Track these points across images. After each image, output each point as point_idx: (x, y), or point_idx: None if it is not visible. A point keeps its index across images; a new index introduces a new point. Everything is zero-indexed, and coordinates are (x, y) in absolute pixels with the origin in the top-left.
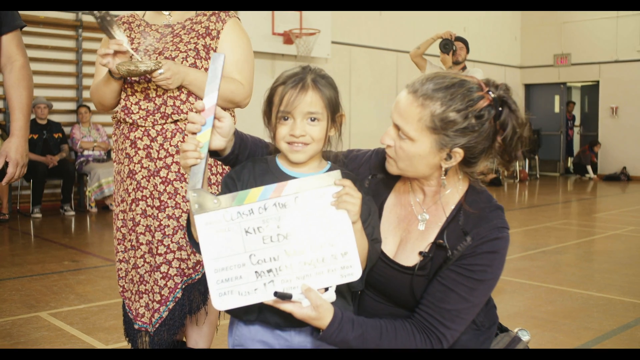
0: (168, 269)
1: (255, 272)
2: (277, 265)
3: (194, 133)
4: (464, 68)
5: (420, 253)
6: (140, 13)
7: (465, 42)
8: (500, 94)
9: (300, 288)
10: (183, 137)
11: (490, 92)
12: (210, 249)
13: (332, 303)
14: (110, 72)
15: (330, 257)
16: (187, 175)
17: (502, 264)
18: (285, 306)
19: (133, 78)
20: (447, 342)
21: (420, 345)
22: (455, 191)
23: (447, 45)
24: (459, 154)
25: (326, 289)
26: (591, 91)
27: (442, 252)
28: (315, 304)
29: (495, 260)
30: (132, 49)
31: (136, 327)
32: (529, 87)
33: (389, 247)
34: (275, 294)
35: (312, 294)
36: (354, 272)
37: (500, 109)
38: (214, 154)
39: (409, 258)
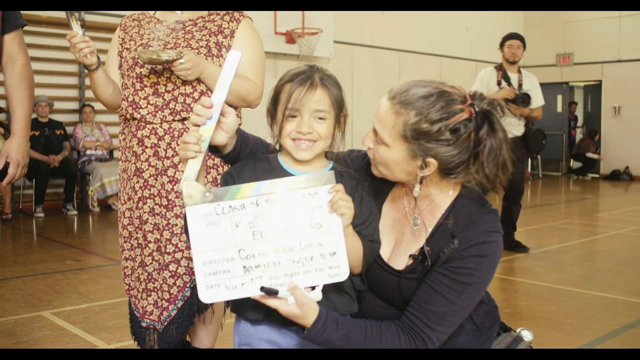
0: (177, 268)
1: (244, 266)
2: (266, 261)
3: (198, 126)
4: (519, 70)
5: (411, 256)
6: (151, 11)
7: (522, 39)
8: (484, 108)
9: (287, 285)
10: None
11: (474, 106)
12: (200, 241)
13: (337, 302)
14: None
15: (319, 256)
16: (183, 166)
17: (492, 268)
18: (271, 302)
19: (144, 73)
20: (433, 345)
21: (405, 347)
22: (446, 195)
23: (525, 100)
24: (432, 164)
25: (313, 288)
26: (594, 91)
27: (431, 255)
28: (301, 302)
29: (484, 265)
30: (140, 44)
31: (144, 325)
32: None
33: (384, 250)
34: (262, 288)
35: (297, 292)
36: (341, 272)
37: (482, 123)
38: (214, 150)
39: (401, 261)
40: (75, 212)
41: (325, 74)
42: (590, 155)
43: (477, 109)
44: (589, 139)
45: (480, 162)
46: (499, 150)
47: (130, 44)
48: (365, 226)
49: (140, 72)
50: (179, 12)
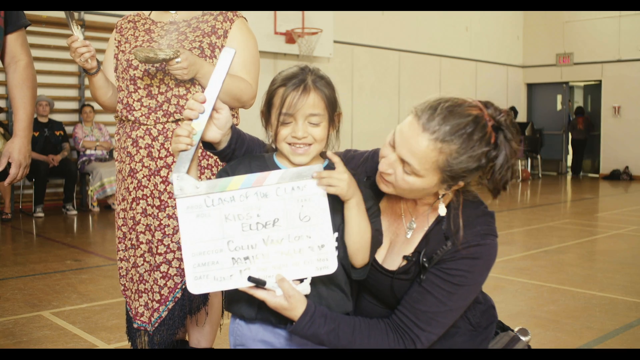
0: (168, 269)
1: (232, 258)
2: (254, 253)
3: (191, 119)
4: None
5: (405, 257)
6: (146, 12)
7: None
8: (500, 121)
9: (275, 277)
10: None
11: (492, 120)
12: (189, 232)
13: (330, 300)
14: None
15: (307, 249)
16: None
17: (485, 270)
18: (259, 293)
19: (137, 75)
20: (422, 345)
21: (393, 345)
22: (445, 197)
23: None
24: (460, 185)
25: (302, 281)
26: (594, 91)
27: (424, 257)
28: (288, 294)
29: (476, 267)
30: (134, 46)
31: (135, 326)
32: (531, 87)
33: (379, 251)
34: (250, 278)
35: (285, 284)
36: (329, 265)
37: (498, 134)
38: (209, 147)
39: (395, 262)
40: (75, 212)
41: (318, 75)
42: (576, 137)
43: (494, 125)
44: (577, 115)
45: (491, 170)
46: (511, 160)
47: (125, 46)
48: (369, 213)
49: (134, 74)
50: (173, 12)
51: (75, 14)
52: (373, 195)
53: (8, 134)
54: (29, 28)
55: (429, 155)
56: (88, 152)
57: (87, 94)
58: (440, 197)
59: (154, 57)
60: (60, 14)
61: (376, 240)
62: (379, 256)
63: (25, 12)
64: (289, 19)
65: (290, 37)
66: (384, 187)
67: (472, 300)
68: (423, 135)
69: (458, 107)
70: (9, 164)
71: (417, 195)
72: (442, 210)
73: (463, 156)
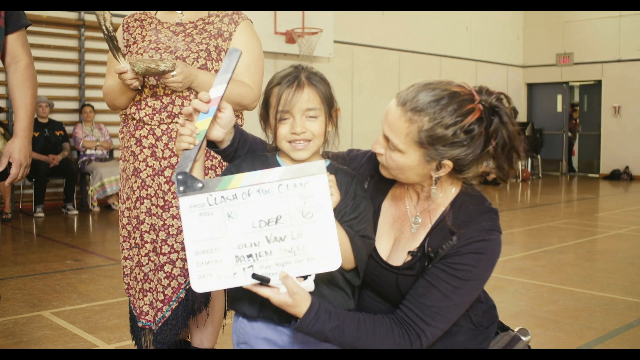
0: (172, 269)
1: (236, 256)
2: (258, 250)
3: (191, 115)
4: None
5: (410, 253)
6: (152, 11)
7: None
8: (493, 103)
9: (279, 274)
10: None
11: (482, 102)
12: (192, 231)
13: (331, 299)
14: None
15: (311, 246)
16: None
17: (490, 266)
18: (263, 291)
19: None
20: (427, 339)
21: (398, 340)
22: (447, 194)
23: None
24: (448, 165)
25: (305, 278)
26: (594, 90)
27: (429, 252)
28: (292, 291)
29: (482, 262)
30: (141, 47)
31: (140, 325)
32: (531, 87)
33: (383, 248)
34: (254, 275)
35: (289, 281)
36: (333, 261)
37: (492, 117)
38: (212, 145)
39: (400, 258)
40: (75, 212)
41: (312, 72)
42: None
43: (485, 105)
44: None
45: (491, 155)
46: (512, 143)
47: (133, 47)
48: (357, 221)
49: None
50: (179, 13)
51: (76, 14)
52: (370, 201)
53: (8, 134)
54: (29, 28)
55: (402, 127)
56: (88, 152)
57: (87, 94)
58: (434, 181)
59: (154, 69)
60: (60, 14)
61: (365, 247)
62: (383, 253)
63: (26, 12)
64: (289, 19)
65: (290, 37)
66: (383, 172)
67: (476, 296)
68: (397, 108)
69: (438, 84)
70: (9, 164)
71: (410, 177)
72: (434, 194)
73: (437, 128)
